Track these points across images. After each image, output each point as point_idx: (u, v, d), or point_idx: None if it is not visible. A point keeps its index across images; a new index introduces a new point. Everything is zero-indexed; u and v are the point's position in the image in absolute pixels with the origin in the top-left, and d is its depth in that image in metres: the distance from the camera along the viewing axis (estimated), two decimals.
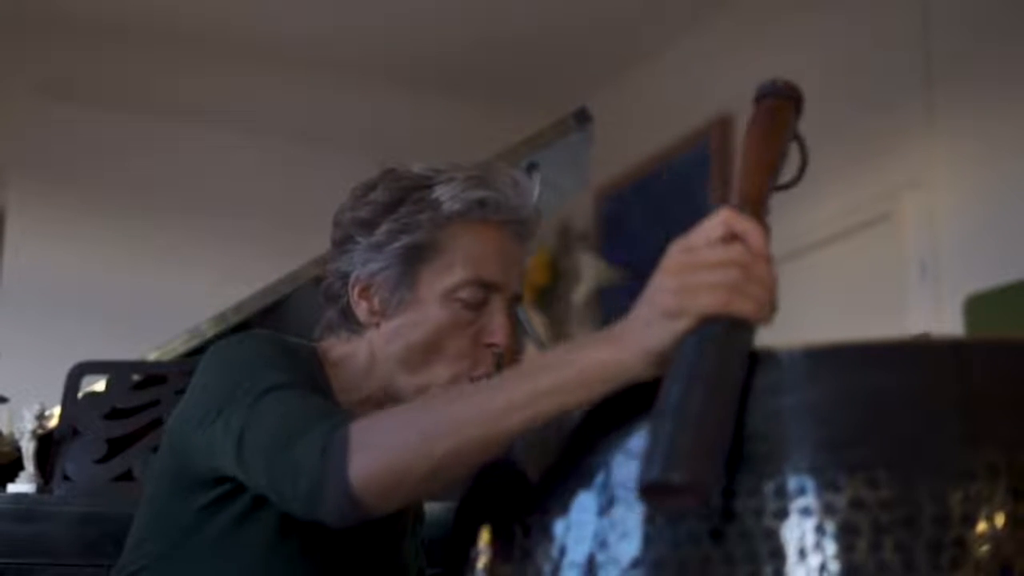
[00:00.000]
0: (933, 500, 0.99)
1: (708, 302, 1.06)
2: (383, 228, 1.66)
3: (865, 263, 4.68)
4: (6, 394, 2.45)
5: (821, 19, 5.03)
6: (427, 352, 1.64)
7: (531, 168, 2.80)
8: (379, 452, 1.23)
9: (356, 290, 1.68)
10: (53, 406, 2.30)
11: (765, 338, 1.07)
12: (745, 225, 1.11)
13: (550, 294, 6.27)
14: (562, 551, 1.10)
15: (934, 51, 4.45)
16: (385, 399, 1.65)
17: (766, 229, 1.14)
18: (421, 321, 1.64)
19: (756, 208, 1.17)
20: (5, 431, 2.45)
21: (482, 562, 1.19)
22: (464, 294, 1.64)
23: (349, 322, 1.70)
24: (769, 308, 1.08)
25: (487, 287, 1.65)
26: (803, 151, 1.36)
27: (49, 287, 5.41)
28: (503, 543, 1.16)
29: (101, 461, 2.21)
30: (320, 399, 1.44)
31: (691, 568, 1.02)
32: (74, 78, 5.70)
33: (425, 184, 1.68)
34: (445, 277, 1.64)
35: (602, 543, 1.07)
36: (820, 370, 1.06)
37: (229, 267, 5.05)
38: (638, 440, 1.09)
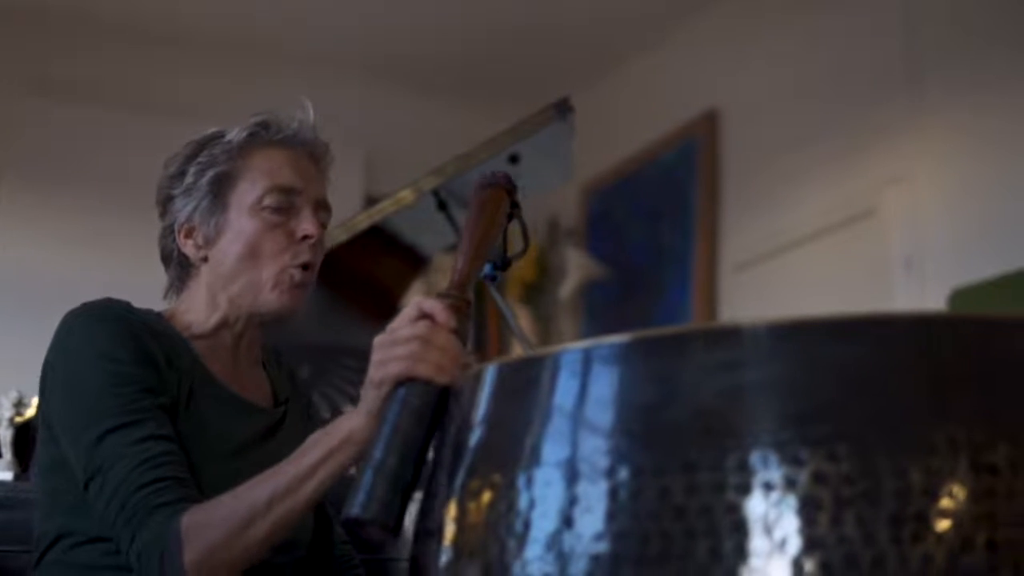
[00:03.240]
0: (894, 474, 0.99)
1: (396, 370, 1.37)
2: (190, 172, 1.85)
3: (850, 258, 4.68)
4: None
5: (807, 16, 5.03)
6: (251, 258, 1.81)
7: (513, 160, 2.80)
8: (208, 550, 1.49)
9: (181, 234, 1.85)
10: (31, 395, 2.30)
11: None
12: (431, 305, 1.42)
13: (537, 289, 6.28)
14: (527, 525, 1.10)
15: (918, 47, 4.46)
16: (237, 318, 1.84)
17: (468, 304, 1.45)
18: (239, 234, 1.82)
19: (461, 288, 1.47)
20: None
21: (447, 539, 1.19)
22: (269, 201, 1.82)
23: (186, 270, 1.87)
24: (447, 370, 1.36)
25: (287, 191, 1.83)
26: (524, 230, 1.68)
27: (30, 278, 5.39)
28: (471, 516, 1.16)
29: None
30: (157, 439, 1.61)
31: (653, 542, 1.03)
32: (50, 72, 5.69)
33: (218, 135, 1.88)
34: (249, 193, 1.83)
35: (566, 518, 1.08)
36: (783, 345, 1.06)
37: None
38: (603, 416, 1.09)
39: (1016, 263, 3.87)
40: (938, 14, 4.40)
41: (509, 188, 1.62)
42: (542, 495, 1.10)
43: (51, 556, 1.69)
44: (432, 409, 1.34)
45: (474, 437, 1.23)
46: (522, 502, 1.12)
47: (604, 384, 1.11)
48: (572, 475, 1.08)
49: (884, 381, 1.03)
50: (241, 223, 1.81)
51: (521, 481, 1.12)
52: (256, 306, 1.81)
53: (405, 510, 1.30)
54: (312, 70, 5.96)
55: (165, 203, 1.88)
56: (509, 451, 1.15)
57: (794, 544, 0.99)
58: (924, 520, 0.98)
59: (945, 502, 0.99)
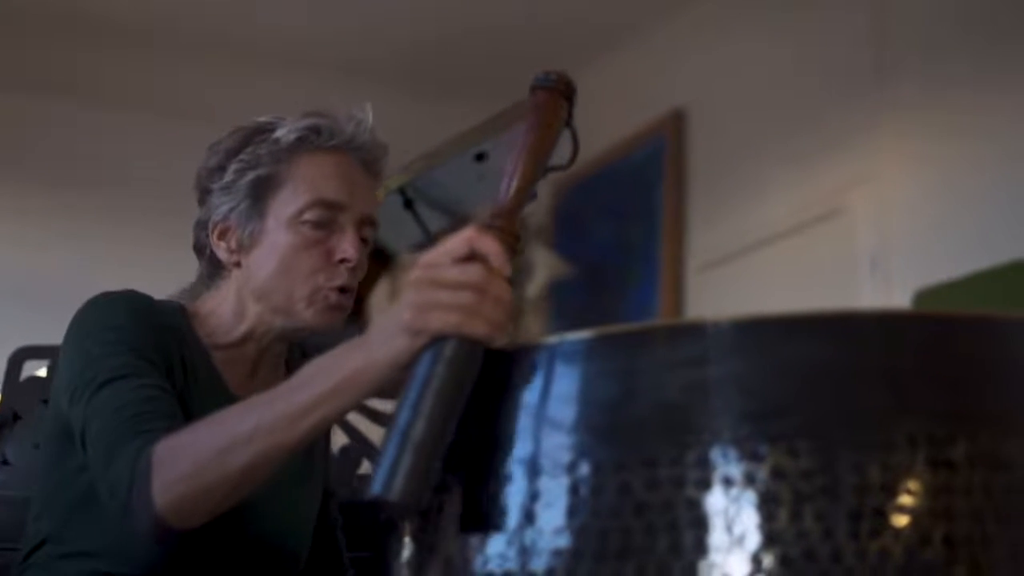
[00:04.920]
0: (853, 470, 1.00)
1: (441, 323, 1.13)
2: (231, 169, 1.74)
3: (817, 258, 4.70)
4: None
5: (774, 17, 5.05)
6: (284, 274, 1.70)
7: (479, 157, 2.80)
8: (179, 475, 1.35)
9: (215, 234, 1.76)
10: None
11: None
12: (487, 244, 1.17)
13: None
14: (488, 520, 1.10)
15: (886, 48, 4.48)
16: (265, 332, 1.74)
17: (516, 239, 1.22)
18: (274, 247, 1.71)
19: (508, 219, 1.23)
20: None
21: (409, 533, 1.19)
22: (309, 215, 1.70)
23: (216, 270, 1.78)
24: (503, 328, 1.15)
25: (331, 207, 1.72)
26: (575, 140, 1.39)
27: (30, 277, 5.39)
28: (432, 511, 1.16)
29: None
30: (150, 387, 1.53)
31: (614, 537, 1.03)
32: (50, 73, 5.68)
33: (267, 128, 1.76)
34: (290, 203, 1.71)
35: (527, 513, 1.08)
36: (746, 341, 1.06)
37: (175, 257, 5.03)
38: (565, 411, 1.09)
39: (981, 264, 3.90)
40: (906, 16, 4.43)
41: (568, 92, 1.38)
42: (503, 491, 1.11)
43: (35, 559, 1.66)
44: (476, 376, 1.14)
45: None
46: (483, 498, 1.12)
47: (567, 380, 1.11)
48: (534, 470, 1.09)
49: (845, 378, 1.04)
50: (278, 236, 1.71)
51: (481, 477, 1.12)
52: (289, 323, 1.72)
53: (432, 489, 1.12)
54: (282, 67, 5.95)
55: (203, 195, 1.79)
56: (471, 446, 1.15)
57: (753, 539, 0.99)
58: (882, 515, 0.99)
59: (903, 498, 1.00)
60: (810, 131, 4.76)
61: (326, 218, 1.71)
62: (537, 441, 1.10)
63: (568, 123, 1.37)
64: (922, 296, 4.04)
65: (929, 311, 1.10)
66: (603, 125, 5.97)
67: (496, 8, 5.66)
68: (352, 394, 1.25)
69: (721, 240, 5.20)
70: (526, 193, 1.28)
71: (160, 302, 1.71)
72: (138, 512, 1.38)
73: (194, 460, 1.35)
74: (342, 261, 1.70)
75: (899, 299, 4.16)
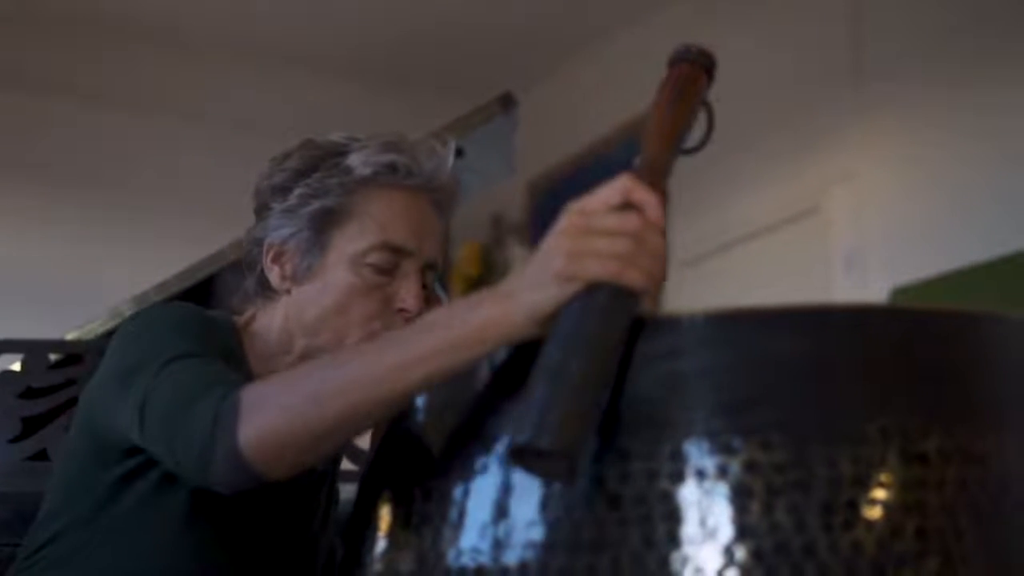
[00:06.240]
0: (826, 463, 1.00)
1: (598, 270, 1.05)
2: (296, 193, 1.64)
3: (795, 255, 4.71)
4: None
5: (754, 16, 5.05)
6: (338, 316, 1.62)
7: (456, 153, 2.79)
8: (268, 415, 1.23)
9: (269, 255, 1.67)
10: None
11: None
12: (644, 195, 1.10)
13: (482, 285, 6.27)
14: (461, 514, 1.10)
15: (864, 48, 4.49)
16: None
17: (665, 196, 1.14)
18: (331, 286, 1.62)
19: (657, 175, 1.17)
20: None
21: (383, 527, 1.19)
22: (373, 259, 1.62)
23: (265, 290, 1.69)
24: (659, 282, 1.08)
25: (397, 252, 1.63)
26: (711, 118, 1.34)
27: (30, 277, 5.37)
28: (404, 508, 1.16)
29: (15, 440, 2.17)
30: (223, 366, 1.44)
31: (586, 530, 1.03)
32: (50, 73, 5.67)
33: (340, 151, 1.66)
34: (355, 242, 1.62)
35: (501, 507, 1.08)
36: (720, 335, 1.07)
37: (175, 257, 5.04)
38: None
39: (956, 263, 3.92)
40: (883, 16, 4.44)
41: (709, 66, 1.33)
42: (477, 484, 1.10)
43: (22, 565, 1.60)
44: (628, 331, 1.06)
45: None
46: (456, 491, 1.11)
47: None
48: (507, 464, 1.08)
49: (819, 371, 1.04)
50: (337, 273, 1.62)
51: (455, 470, 1.12)
52: None
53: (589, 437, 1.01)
54: (257, 63, 5.93)
55: (261, 209, 1.69)
56: (445, 441, 1.15)
57: (726, 532, 0.99)
58: (855, 508, 0.99)
59: (876, 491, 1.00)
60: (788, 130, 4.77)
61: (390, 263, 1.63)
62: (510, 435, 1.10)
63: (704, 99, 1.32)
64: (898, 294, 4.06)
65: (902, 306, 1.10)
66: (580, 123, 5.97)
67: (474, 7, 5.66)
68: (474, 348, 1.12)
69: (699, 238, 5.20)
70: (672, 157, 1.23)
71: (214, 317, 1.63)
72: (219, 453, 1.26)
73: (285, 403, 1.23)
74: (401, 311, 1.63)
75: (875, 297, 4.18)
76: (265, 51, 5.99)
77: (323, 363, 1.31)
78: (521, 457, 0.99)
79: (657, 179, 1.17)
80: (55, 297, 5.15)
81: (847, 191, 4.50)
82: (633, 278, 1.06)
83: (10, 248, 5.47)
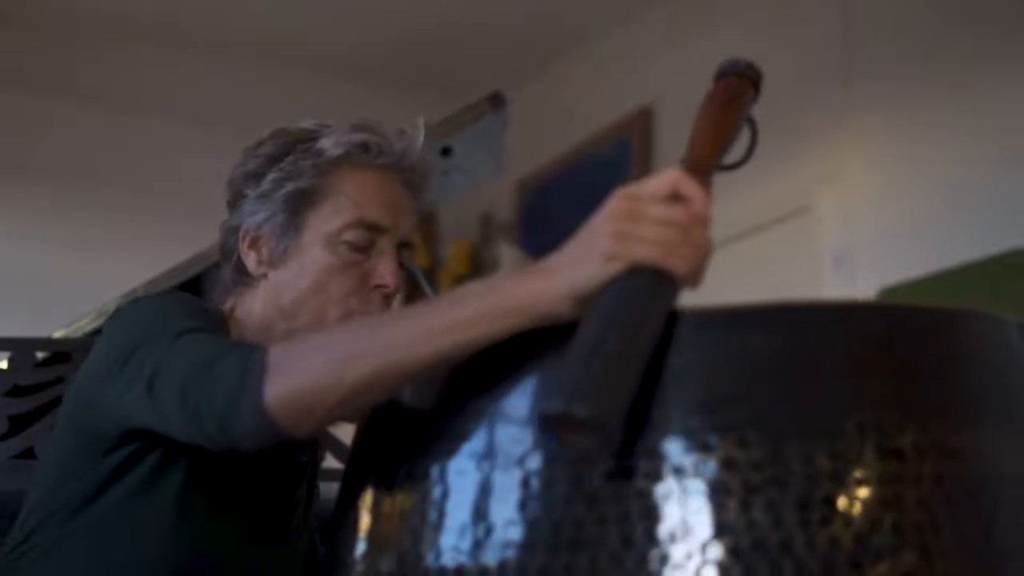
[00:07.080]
0: (803, 459, 1.00)
1: (644, 253, 1.07)
2: (269, 178, 1.65)
3: (783, 255, 4.72)
4: None
5: (743, 17, 5.06)
6: (315, 295, 1.62)
7: (445, 152, 2.80)
8: (295, 373, 1.23)
9: (245, 242, 1.67)
10: None
11: None
12: (692, 189, 1.12)
13: None
14: (441, 515, 1.10)
15: (852, 48, 4.50)
16: None
17: (709, 196, 1.15)
18: (308, 266, 1.63)
19: (704, 175, 1.19)
20: None
21: (363, 528, 1.19)
22: (349, 236, 1.63)
23: (242, 277, 1.69)
24: (701, 274, 1.09)
25: (372, 229, 1.64)
26: (754, 133, 1.38)
27: (31, 277, 5.36)
28: (384, 509, 1.16)
29: (2, 439, 2.18)
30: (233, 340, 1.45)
31: (565, 529, 1.03)
32: (50, 73, 5.65)
33: (311, 136, 1.68)
34: (330, 221, 1.63)
35: (480, 507, 1.08)
36: (698, 333, 1.07)
37: (174, 257, 5.03)
38: (517, 404, 1.10)
39: (944, 263, 3.92)
40: (873, 16, 4.45)
41: (756, 80, 1.37)
42: (456, 484, 1.11)
43: (8, 557, 1.60)
44: (666, 318, 1.06)
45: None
46: (436, 492, 1.12)
47: (518, 372, 1.11)
48: (486, 463, 1.09)
49: (794, 368, 1.05)
50: (313, 253, 1.63)
51: (435, 471, 1.13)
52: None
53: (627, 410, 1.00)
54: (257, 63, 5.94)
55: (235, 198, 1.70)
56: (424, 441, 1.15)
57: (703, 530, 0.99)
58: (832, 504, 1.00)
59: (852, 487, 1.00)
60: (776, 129, 4.74)
61: (366, 240, 1.64)
62: (490, 434, 1.10)
63: (750, 115, 1.36)
64: (886, 294, 4.06)
65: (879, 302, 1.10)
66: (570, 122, 5.97)
67: (464, 6, 5.66)
68: (510, 319, 1.12)
69: None
70: (717, 160, 1.26)
71: (207, 306, 1.63)
72: (244, 407, 1.26)
73: (315, 362, 1.23)
74: (378, 287, 1.64)
75: (864, 296, 4.18)
76: (265, 51, 5.98)
77: (354, 324, 1.34)
78: (552, 426, 0.99)
79: (704, 178, 1.19)
80: (55, 298, 5.13)
81: (836, 190, 4.50)
82: (677, 264, 1.07)
83: (10, 248, 5.46)
